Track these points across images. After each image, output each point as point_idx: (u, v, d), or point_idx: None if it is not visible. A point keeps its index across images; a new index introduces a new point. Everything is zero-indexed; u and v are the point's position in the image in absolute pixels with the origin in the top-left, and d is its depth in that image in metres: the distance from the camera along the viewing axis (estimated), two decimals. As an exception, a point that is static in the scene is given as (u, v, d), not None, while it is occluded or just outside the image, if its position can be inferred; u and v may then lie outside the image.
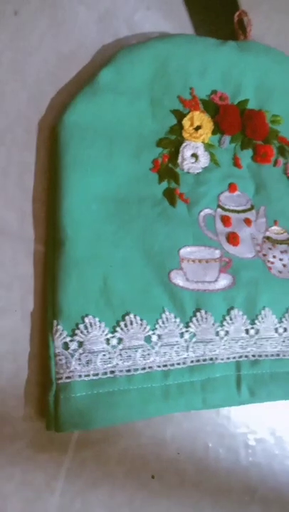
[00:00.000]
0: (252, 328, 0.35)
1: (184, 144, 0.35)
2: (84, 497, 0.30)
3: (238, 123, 0.38)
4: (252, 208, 0.38)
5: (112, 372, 0.30)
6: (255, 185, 0.38)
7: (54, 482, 0.29)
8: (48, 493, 0.29)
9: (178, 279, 0.33)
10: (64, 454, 0.30)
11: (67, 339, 0.29)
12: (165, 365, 0.32)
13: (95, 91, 0.32)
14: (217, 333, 0.34)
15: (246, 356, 0.35)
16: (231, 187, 0.37)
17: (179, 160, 0.35)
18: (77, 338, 0.29)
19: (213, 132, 0.37)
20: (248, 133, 0.38)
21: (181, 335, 0.33)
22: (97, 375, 0.29)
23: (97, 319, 0.30)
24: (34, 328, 0.30)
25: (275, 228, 0.38)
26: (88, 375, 0.29)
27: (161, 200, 0.34)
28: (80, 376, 0.29)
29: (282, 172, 0.39)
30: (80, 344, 0.29)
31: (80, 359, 0.29)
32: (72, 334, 0.29)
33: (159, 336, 0.32)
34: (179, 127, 0.36)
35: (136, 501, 0.32)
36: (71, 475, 0.30)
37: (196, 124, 0.36)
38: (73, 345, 0.29)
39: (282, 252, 0.38)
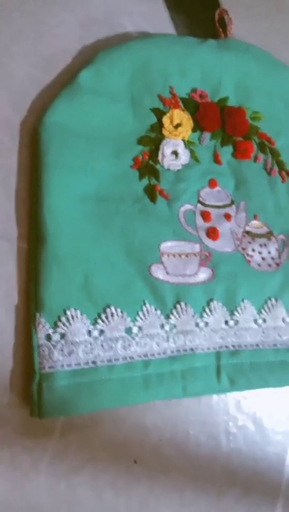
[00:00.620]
0: (231, 319, 0.36)
1: (164, 142, 0.37)
2: (68, 479, 0.32)
3: (217, 120, 0.39)
4: (232, 203, 0.39)
5: (94, 362, 0.31)
6: (235, 180, 0.39)
7: (40, 464, 0.31)
8: (34, 474, 0.31)
9: (158, 273, 0.35)
10: (49, 439, 0.32)
11: (50, 331, 0.30)
12: (146, 355, 0.33)
13: (75, 92, 0.33)
14: (197, 325, 0.35)
15: (226, 346, 0.36)
16: (211, 183, 0.38)
17: (160, 157, 0.36)
18: (59, 330, 0.31)
19: (194, 130, 0.38)
20: (228, 130, 0.39)
21: (162, 326, 0.34)
22: (79, 365, 0.31)
23: (78, 312, 0.31)
24: (18, 321, 0.32)
25: (254, 223, 0.39)
26: (70, 365, 0.30)
27: (141, 197, 0.35)
28: (62, 366, 0.30)
29: (262, 168, 0.40)
30: (62, 336, 0.31)
31: (62, 350, 0.30)
32: (55, 326, 0.31)
33: (140, 328, 0.33)
34: (159, 125, 0.37)
35: (119, 484, 0.33)
36: (56, 458, 0.31)
37: (176, 121, 0.37)
38: (56, 337, 0.31)
39: (261, 245, 0.39)
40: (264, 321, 0.37)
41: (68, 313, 0.31)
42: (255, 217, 0.39)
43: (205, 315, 0.35)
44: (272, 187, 0.40)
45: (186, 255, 0.36)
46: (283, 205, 0.40)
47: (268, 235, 0.39)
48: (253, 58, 0.40)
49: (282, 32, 0.44)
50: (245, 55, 0.40)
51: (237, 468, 0.38)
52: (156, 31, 0.39)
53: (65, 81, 0.35)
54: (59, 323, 0.31)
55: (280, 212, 0.40)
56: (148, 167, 0.36)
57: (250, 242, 0.38)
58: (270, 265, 0.38)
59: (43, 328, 0.30)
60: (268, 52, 0.42)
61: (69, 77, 0.35)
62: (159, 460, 0.35)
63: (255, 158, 0.40)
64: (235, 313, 0.36)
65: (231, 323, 0.36)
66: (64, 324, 0.31)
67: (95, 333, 0.32)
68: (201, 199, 0.38)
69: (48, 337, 0.30)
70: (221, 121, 0.39)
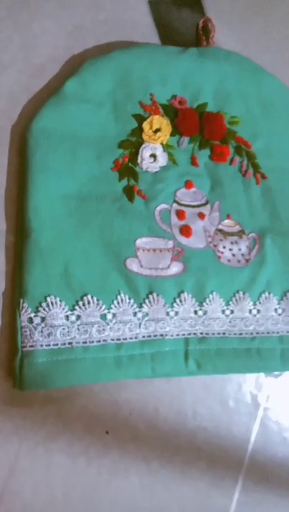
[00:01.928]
0: (200, 309, 0.40)
1: (144, 146, 0.40)
2: (46, 445, 0.36)
3: (195, 125, 0.42)
4: (206, 203, 0.42)
5: (70, 343, 0.35)
6: (211, 182, 0.42)
7: (21, 431, 0.35)
8: (15, 440, 0.35)
9: (133, 266, 0.38)
10: (30, 409, 0.36)
11: (32, 315, 0.35)
12: (118, 339, 0.37)
13: (61, 100, 0.37)
14: (167, 313, 0.39)
15: (194, 334, 0.40)
16: (187, 184, 0.41)
17: (139, 160, 0.40)
18: (40, 314, 0.35)
19: (173, 134, 0.41)
20: (205, 134, 0.42)
21: (134, 314, 0.38)
22: (56, 345, 0.35)
23: (58, 299, 0.35)
24: (5, 305, 0.36)
25: (227, 221, 0.42)
26: (49, 345, 0.34)
27: (120, 197, 0.39)
28: (41, 345, 0.34)
29: (238, 170, 0.43)
30: (43, 319, 0.35)
31: (42, 331, 0.34)
32: (36, 311, 0.35)
33: (114, 315, 0.37)
34: (139, 130, 0.40)
35: (91, 452, 0.38)
36: (35, 426, 0.36)
37: (155, 127, 0.40)
38: (37, 320, 0.35)
39: (232, 243, 0.42)
40: (231, 312, 0.41)
41: (48, 299, 0.35)
42: (228, 217, 0.42)
43: (175, 305, 0.39)
44: (246, 188, 0.43)
45: (160, 250, 0.39)
46: (256, 206, 0.43)
47: (240, 233, 0.42)
48: (232, 64, 0.43)
49: (263, 37, 0.46)
50: (225, 62, 0.42)
51: (202, 443, 0.42)
52: (141, 40, 0.42)
53: (54, 88, 0.38)
54: (40, 308, 0.35)
55: (252, 212, 0.43)
56: (127, 169, 0.39)
57: (221, 240, 0.42)
58: (239, 261, 0.42)
59: (26, 312, 0.35)
60: (247, 58, 0.44)
61: (57, 84, 0.38)
62: (129, 432, 0.39)
63: (231, 161, 0.43)
64: (204, 304, 0.40)
65: (200, 312, 0.40)
66: (44, 309, 0.35)
67: (72, 318, 0.36)
68: (176, 199, 0.41)
69: (30, 320, 0.35)
70: (200, 126, 0.42)
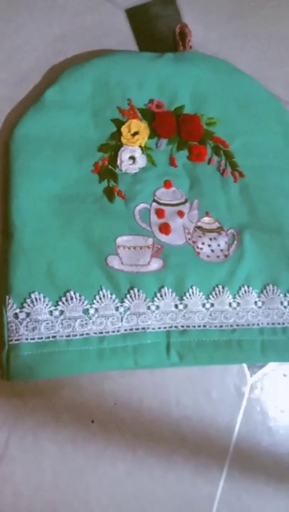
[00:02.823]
0: (181, 303, 0.41)
1: (122, 148, 0.42)
2: (34, 433, 0.38)
3: (173, 127, 0.43)
4: (186, 201, 0.44)
5: (54, 337, 0.37)
6: (189, 181, 0.44)
7: (10, 420, 0.38)
8: (5, 429, 0.38)
9: (114, 263, 0.40)
10: (20, 400, 0.38)
11: (17, 310, 0.37)
12: (101, 333, 0.39)
13: (41, 108, 0.39)
14: (148, 308, 0.41)
15: (176, 326, 0.41)
16: (166, 184, 0.43)
17: (118, 162, 0.42)
18: (25, 309, 0.37)
19: (151, 136, 0.43)
20: (183, 136, 0.44)
21: (116, 308, 0.40)
22: (41, 338, 0.37)
23: (41, 295, 0.37)
24: (-8, 302, 0.38)
25: (206, 219, 0.44)
26: (34, 339, 0.37)
27: (100, 197, 0.41)
28: (26, 339, 0.36)
29: (216, 169, 0.45)
30: (28, 314, 0.37)
31: (27, 326, 0.37)
32: (21, 307, 0.37)
33: (96, 309, 0.39)
34: (118, 134, 0.42)
35: (78, 439, 0.40)
36: (25, 415, 0.38)
37: (134, 130, 0.42)
38: (22, 315, 0.37)
39: (211, 239, 0.44)
40: (212, 305, 0.42)
41: (33, 296, 0.37)
42: (207, 214, 0.44)
43: (156, 299, 0.41)
44: (224, 186, 0.45)
45: (140, 248, 0.41)
46: (234, 203, 0.45)
47: (219, 230, 0.44)
48: (209, 67, 0.44)
49: (239, 38, 0.48)
50: (201, 65, 0.44)
51: (186, 432, 0.44)
52: (120, 48, 0.44)
53: (36, 97, 0.41)
54: (25, 304, 0.37)
55: (231, 209, 0.44)
56: (107, 171, 0.41)
57: (200, 236, 0.43)
58: (218, 256, 0.43)
59: (12, 308, 0.37)
60: (223, 60, 0.46)
61: (39, 93, 0.41)
62: (114, 421, 0.41)
63: (209, 161, 0.45)
64: (184, 298, 0.41)
65: (181, 306, 0.41)
66: (29, 305, 0.37)
67: (56, 313, 0.38)
68: (156, 198, 0.43)
69: (16, 315, 0.37)
70: (177, 128, 0.44)
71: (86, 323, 0.38)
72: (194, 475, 0.44)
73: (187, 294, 0.42)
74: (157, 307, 0.41)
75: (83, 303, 0.39)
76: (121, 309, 0.40)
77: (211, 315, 0.42)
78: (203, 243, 0.43)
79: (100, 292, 0.39)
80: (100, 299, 0.39)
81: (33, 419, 0.39)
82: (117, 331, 0.39)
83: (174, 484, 0.43)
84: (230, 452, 0.45)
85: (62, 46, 0.42)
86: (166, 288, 0.41)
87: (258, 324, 0.43)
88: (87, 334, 0.38)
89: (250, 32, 0.48)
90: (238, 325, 0.43)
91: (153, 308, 0.41)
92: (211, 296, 0.42)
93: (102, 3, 0.44)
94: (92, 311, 0.39)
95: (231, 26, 0.48)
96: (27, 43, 0.41)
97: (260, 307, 0.44)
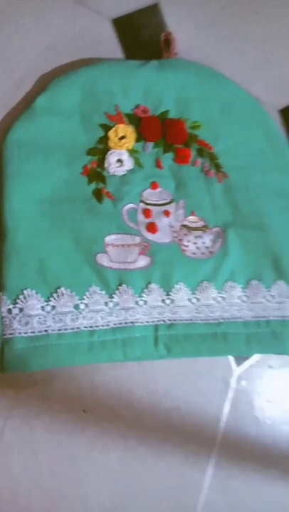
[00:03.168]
0: (168, 298, 0.43)
1: (110, 152, 0.44)
2: (29, 423, 0.40)
3: (158, 131, 0.46)
4: (172, 201, 0.46)
5: (46, 331, 0.39)
6: (175, 182, 0.46)
7: (5, 410, 0.40)
8: (1, 419, 0.40)
9: (103, 260, 0.42)
10: (14, 391, 0.40)
11: (11, 306, 0.39)
12: (91, 327, 0.41)
13: (32, 114, 0.41)
14: (136, 303, 0.43)
15: (163, 320, 0.43)
16: (153, 185, 0.45)
17: (106, 165, 0.44)
18: (18, 305, 0.39)
19: (138, 140, 0.45)
20: (168, 139, 0.46)
21: (106, 304, 0.42)
22: (33, 332, 0.39)
23: (34, 291, 0.39)
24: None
25: (191, 218, 0.46)
26: (26, 333, 0.39)
27: (89, 198, 0.43)
28: (20, 333, 0.39)
29: (200, 170, 0.47)
30: (21, 310, 0.39)
31: (20, 321, 0.39)
32: (14, 302, 0.39)
33: (86, 305, 0.41)
34: (106, 138, 0.44)
35: (71, 429, 0.42)
36: (19, 405, 0.40)
37: (120, 134, 0.44)
38: (15, 311, 0.39)
39: (196, 237, 0.46)
40: (198, 299, 0.44)
41: (25, 292, 0.39)
42: (192, 213, 0.46)
43: (144, 295, 0.43)
44: (208, 187, 0.47)
45: (128, 246, 0.43)
46: (219, 202, 0.47)
47: (204, 228, 0.46)
48: (192, 73, 0.46)
49: (222, 43, 0.50)
50: (185, 71, 0.46)
51: (176, 422, 0.46)
52: (107, 56, 0.47)
53: (28, 103, 0.43)
54: (18, 300, 0.39)
55: (215, 208, 0.46)
56: (96, 173, 0.43)
57: (186, 234, 0.45)
58: (203, 253, 0.45)
59: (5, 304, 0.39)
60: (206, 66, 0.48)
61: (30, 100, 0.43)
62: (106, 411, 0.43)
63: (194, 163, 0.47)
64: (171, 293, 0.44)
65: (168, 301, 0.44)
66: (22, 301, 0.39)
67: (48, 308, 0.40)
68: (143, 198, 0.45)
69: (9, 311, 0.39)
70: (162, 132, 0.46)
71: (77, 318, 0.40)
72: (184, 463, 0.46)
73: (174, 290, 0.44)
74: (145, 302, 0.43)
75: (74, 298, 0.41)
76: (110, 304, 0.42)
77: (197, 309, 0.44)
78: (188, 241, 0.45)
79: (90, 288, 0.41)
80: (90, 294, 0.41)
81: (27, 409, 0.41)
82: (107, 325, 0.41)
83: (165, 471, 0.45)
84: (218, 441, 0.47)
85: (52, 55, 0.44)
86: (153, 284, 0.43)
87: (242, 318, 0.45)
88: (77, 328, 0.40)
89: (232, 37, 0.51)
90: (223, 318, 0.45)
91: (141, 303, 0.43)
92: (196, 291, 0.44)
93: (90, 14, 0.46)
94: (82, 306, 0.41)
95: (214, 33, 0.50)
96: (18, 53, 0.43)
97: (244, 301, 0.46)
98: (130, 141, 0.45)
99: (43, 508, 0.41)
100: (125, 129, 0.44)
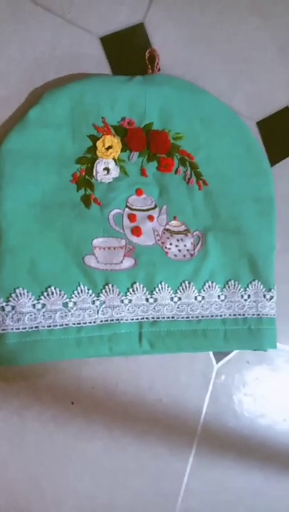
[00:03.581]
0: (151, 297, 0.47)
1: (98, 161, 0.47)
2: (20, 414, 0.43)
3: (143, 142, 0.49)
4: (155, 207, 0.49)
5: (36, 327, 0.42)
6: (159, 189, 0.49)
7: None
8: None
9: (91, 262, 0.45)
10: (6, 383, 0.43)
11: (3, 304, 0.42)
12: (79, 323, 0.44)
13: (25, 126, 0.44)
14: (122, 301, 0.46)
15: (147, 318, 0.46)
16: (138, 191, 0.49)
17: (94, 173, 0.47)
18: (10, 303, 0.42)
19: (123, 150, 0.48)
20: (152, 149, 0.49)
21: (93, 302, 0.45)
22: (25, 328, 0.42)
23: (25, 290, 0.42)
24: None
25: (174, 222, 0.49)
26: (18, 329, 0.42)
27: (78, 204, 0.46)
28: (12, 329, 0.41)
29: (182, 178, 0.50)
30: (13, 307, 0.42)
31: (12, 318, 0.42)
32: (7, 300, 0.42)
33: (75, 303, 0.44)
34: (94, 148, 0.47)
35: (59, 419, 0.44)
36: (10, 397, 0.43)
37: (107, 145, 0.47)
38: (8, 308, 0.42)
39: (178, 240, 0.49)
40: (179, 299, 0.48)
41: (17, 291, 0.42)
42: (174, 218, 0.49)
43: (129, 294, 0.46)
44: (190, 194, 0.50)
45: (114, 248, 0.47)
46: (199, 208, 0.50)
47: (185, 232, 0.49)
48: (174, 87, 0.49)
49: (204, 59, 0.54)
50: (167, 86, 0.49)
51: (158, 413, 0.49)
52: (95, 72, 0.50)
53: (20, 116, 0.46)
54: (10, 299, 0.42)
55: (196, 213, 0.50)
56: (84, 181, 0.47)
57: (168, 238, 0.49)
58: (184, 255, 0.49)
59: (-1, 301, 0.42)
60: (187, 81, 0.51)
61: (22, 112, 0.46)
62: (92, 403, 0.46)
63: (176, 171, 0.50)
64: (154, 292, 0.47)
65: (151, 300, 0.47)
66: (14, 299, 0.42)
67: (38, 306, 0.43)
68: (128, 204, 0.48)
69: (2, 308, 0.42)
70: (147, 143, 0.49)
71: (65, 315, 0.43)
72: (166, 452, 0.49)
73: (157, 289, 0.47)
74: (130, 301, 0.46)
75: (63, 297, 0.44)
76: (97, 303, 0.45)
77: (178, 307, 0.47)
78: (171, 244, 0.48)
79: (78, 288, 0.44)
80: (78, 293, 0.44)
81: (17, 401, 0.43)
82: (94, 322, 0.44)
83: (147, 460, 0.48)
84: (199, 432, 0.50)
85: (43, 70, 0.48)
86: (137, 284, 0.46)
87: (221, 315, 0.49)
88: (66, 325, 0.43)
89: (213, 53, 0.54)
90: (203, 316, 0.48)
91: (126, 301, 0.46)
92: (178, 291, 0.48)
93: (80, 32, 0.49)
94: (71, 305, 0.44)
95: (196, 49, 0.53)
96: (9, 67, 0.46)
97: (222, 300, 0.49)
98: (116, 150, 0.48)
99: (31, 492, 0.43)
100: (112, 140, 0.48)
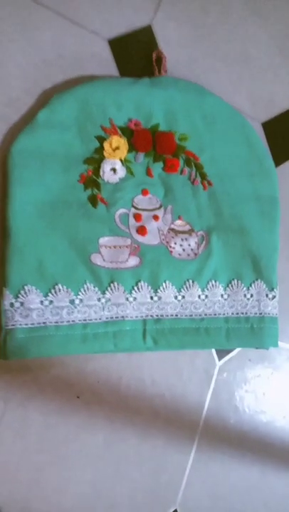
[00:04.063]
0: (155, 295, 0.48)
1: (104, 161, 0.48)
2: (24, 405, 0.45)
3: (149, 143, 0.50)
4: (160, 207, 0.50)
5: (44, 323, 0.44)
6: (164, 189, 0.50)
7: (3, 395, 0.44)
8: (2, 402, 0.44)
9: (97, 260, 0.47)
10: (11, 376, 0.45)
11: (13, 300, 0.43)
12: (85, 320, 0.45)
13: (35, 127, 0.45)
14: (127, 299, 0.47)
15: (151, 316, 0.48)
16: (144, 191, 0.50)
17: (101, 173, 0.48)
18: (19, 299, 0.43)
19: (130, 151, 0.49)
20: (158, 150, 0.50)
21: (99, 299, 0.46)
22: (33, 324, 0.43)
23: (33, 287, 0.44)
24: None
25: (178, 222, 0.51)
26: (27, 324, 0.43)
27: (85, 203, 0.47)
28: (20, 325, 0.43)
29: (187, 179, 0.51)
30: (22, 304, 0.43)
31: (21, 313, 0.43)
32: (16, 297, 0.43)
33: (81, 300, 0.45)
34: (101, 149, 0.48)
35: (63, 412, 0.46)
36: (14, 388, 0.44)
37: (114, 145, 0.49)
38: (17, 304, 0.43)
39: (182, 239, 0.50)
40: (183, 297, 0.49)
41: (26, 288, 0.43)
42: (179, 218, 0.50)
43: (133, 292, 0.47)
44: (194, 194, 0.51)
45: (119, 247, 0.48)
46: (203, 208, 0.51)
47: (189, 232, 0.50)
48: (179, 89, 0.50)
49: (209, 59, 0.54)
50: (173, 88, 0.50)
51: (160, 407, 0.50)
52: (103, 74, 0.51)
53: (29, 117, 0.47)
54: (19, 295, 0.43)
55: (200, 213, 0.51)
56: (91, 181, 0.48)
57: (173, 237, 0.50)
58: (189, 255, 0.50)
59: (8, 298, 0.43)
60: (192, 82, 0.52)
61: (31, 114, 0.47)
62: (96, 397, 0.47)
63: (182, 172, 0.51)
64: (159, 291, 0.48)
65: (155, 298, 0.48)
66: (23, 296, 0.43)
67: (46, 302, 0.44)
68: (134, 204, 0.49)
69: (12, 304, 0.43)
70: (153, 143, 0.50)
71: (72, 312, 0.45)
72: (167, 445, 0.50)
73: (161, 288, 0.48)
74: (134, 299, 0.47)
75: (70, 294, 0.45)
76: (103, 300, 0.46)
77: (182, 306, 0.49)
78: (175, 243, 0.50)
79: (85, 285, 0.46)
80: (85, 291, 0.45)
81: (22, 393, 0.45)
82: (99, 319, 0.46)
83: (148, 452, 0.49)
84: (200, 427, 0.52)
85: (51, 72, 0.49)
86: (142, 282, 0.47)
87: (223, 314, 0.50)
88: (73, 321, 0.45)
89: (218, 54, 0.55)
90: (206, 314, 0.49)
91: (131, 299, 0.47)
92: (182, 290, 0.49)
93: (89, 35, 0.50)
94: (77, 302, 0.45)
95: (202, 51, 0.54)
96: (18, 70, 0.47)
97: (225, 299, 0.50)
98: (123, 151, 0.49)
99: (32, 481, 0.45)
100: (119, 141, 0.49)
